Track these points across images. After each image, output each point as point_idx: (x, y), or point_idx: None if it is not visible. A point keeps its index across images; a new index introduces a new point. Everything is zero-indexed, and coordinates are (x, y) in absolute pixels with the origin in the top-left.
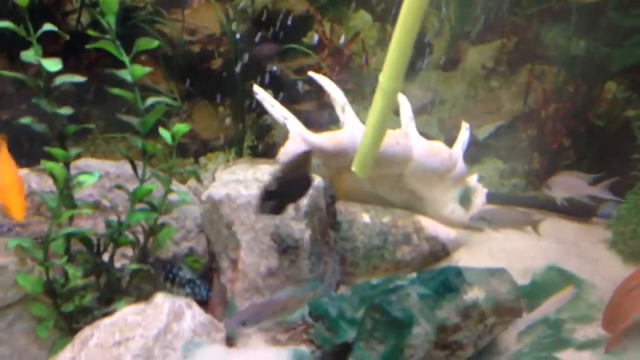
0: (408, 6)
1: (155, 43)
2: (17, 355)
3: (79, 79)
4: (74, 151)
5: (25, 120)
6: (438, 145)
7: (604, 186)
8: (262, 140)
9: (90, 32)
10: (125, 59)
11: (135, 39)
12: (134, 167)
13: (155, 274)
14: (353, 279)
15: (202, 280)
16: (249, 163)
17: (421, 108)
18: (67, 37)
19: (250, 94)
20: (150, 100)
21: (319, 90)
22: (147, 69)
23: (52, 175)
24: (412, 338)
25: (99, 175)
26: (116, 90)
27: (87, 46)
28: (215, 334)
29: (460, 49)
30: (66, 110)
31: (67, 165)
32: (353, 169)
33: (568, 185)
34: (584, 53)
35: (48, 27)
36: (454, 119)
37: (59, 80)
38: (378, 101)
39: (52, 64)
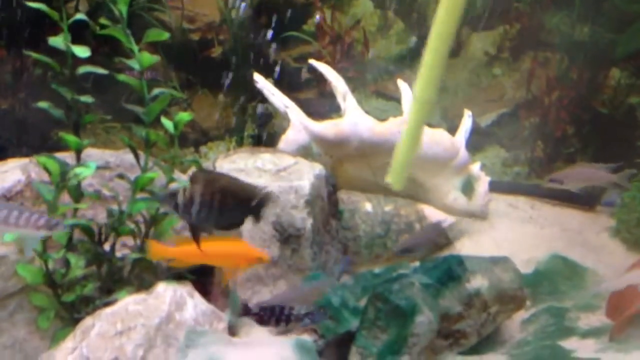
0: (442, 15)
1: (165, 35)
2: (18, 345)
3: (102, 70)
4: (85, 140)
5: (43, 104)
6: (440, 133)
7: (624, 175)
8: (263, 128)
9: (103, 21)
10: (134, 48)
11: (134, 27)
12: (137, 157)
13: (264, 321)
14: (355, 268)
15: (316, 308)
16: (250, 152)
17: None
18: (97, 29)
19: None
20: (156, 91)
21: (320, 78)
22: (155, 58)
23: (46, 169)
24: (415, 327)
25: (96, 166)
26: (122, 77)
27: (99, 32)
28: (218, 324)
29: (462, 36)
30: (87, 99)
31: (78, 153)
32: (387, 179)
33: (589, 175)
34: (587, 39)
35: (80, 16)
36: (456, 106)
37: (82, 69)
38: (413, 111)
39: (81, 51)
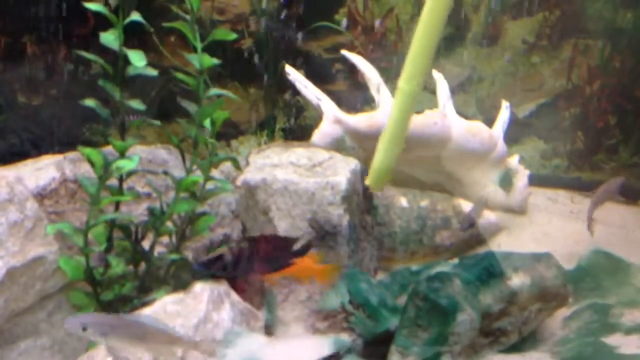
0: (430, 4)
1: (233, 35)
2: (57, 346)
3: (152, 72)
4: (129, 140)
5: (90, 102)
6: (477, 125)
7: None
8: (294, 122)
9: (134, 16)
10: (198, 45)
11: (162, 19)
12: (183, 157)
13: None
14: (391, 265)
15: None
16: (283, 146)
17: (459, 86)
18: (152, 30)
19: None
20: (213, 91)
21: (352, 70)
22: (215, 61)
23: (90, 161)
24: (457, 325)
25: (138, 158)
26: (181, 76)
27: (165, 25)
28: (255, 323)
29: (499, 23)
30: (138, 105)
31: (122, 154)
32: (367, 182)
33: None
34: (631, 26)
35: (135, 17)
36: (493, 97)
37: (133, 69)
38: (397, 104)
39: (137, 58)
